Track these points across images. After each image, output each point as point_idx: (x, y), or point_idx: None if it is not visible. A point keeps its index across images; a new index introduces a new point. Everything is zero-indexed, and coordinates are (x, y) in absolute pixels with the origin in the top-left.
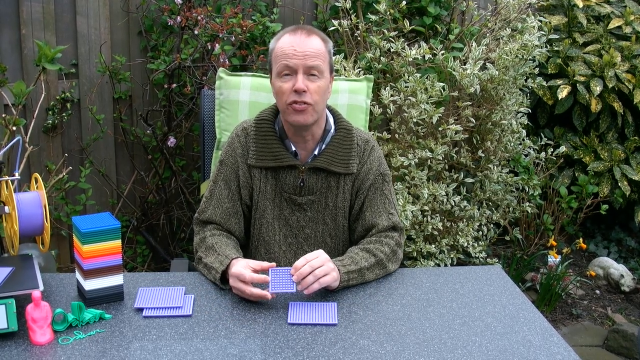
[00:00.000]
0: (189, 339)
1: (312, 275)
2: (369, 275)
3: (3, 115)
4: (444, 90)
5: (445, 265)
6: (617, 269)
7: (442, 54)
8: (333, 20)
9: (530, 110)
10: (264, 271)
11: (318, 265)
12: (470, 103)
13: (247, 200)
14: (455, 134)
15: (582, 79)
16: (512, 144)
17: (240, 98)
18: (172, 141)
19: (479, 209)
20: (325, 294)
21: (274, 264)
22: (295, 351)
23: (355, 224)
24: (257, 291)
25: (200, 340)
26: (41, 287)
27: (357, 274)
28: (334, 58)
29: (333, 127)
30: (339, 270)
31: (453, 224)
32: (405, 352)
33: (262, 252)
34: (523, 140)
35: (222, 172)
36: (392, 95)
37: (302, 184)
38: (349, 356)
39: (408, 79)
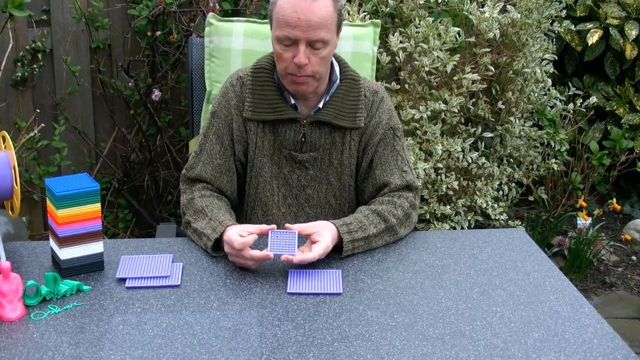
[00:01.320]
0: (177, 312)
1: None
2: (377, 242)
3: None
4: (459, 35)
5: (462, 228)
6: None
7: None
8: None
9: (556, 58)
10: (264, 234)
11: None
12: (488, 50)
13: (241, 157)
14: (472, 83)
15: (615, 22)
16: (536, 95)
17: (232, 46)
18: (156, 94)
19: (499, 167)
20: (329, 261)
21: (273, 226)
22: (296, 323)
23: (364, 183)
24: (257, 254)
25: (189, 313)
26: (2, 258)
27: (363, 241)
28: None
29: (339, 77)
30: (342, 238)
31: (470, 183)
32: (418, 323)
33: (258, 214)
34: (548, 90)
35: (214, 125)
36: (401, 42)
37: (303, 140)
38: (355, 328)
39: (419, 24)
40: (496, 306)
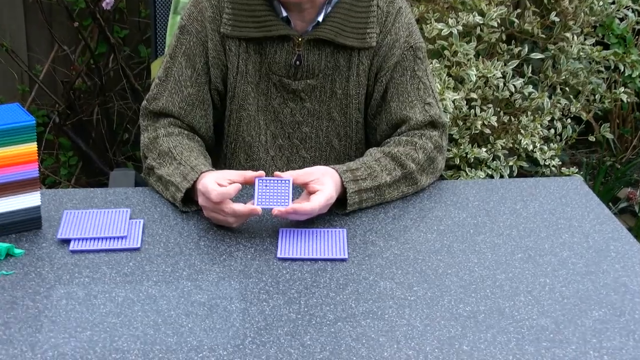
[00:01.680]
0: (136, 282)
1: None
2: (391, 193)
3: None
4: None
5: (502, 176)
6: None
7: None
8: None
9: None
10: (250, 183)
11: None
12: None
13: (218, 85)
14: None
15: None
16: (601, 4)
17: None
18: (108, 2)
19: (550, 98)
20: (330, 218)
21: (261, 172)
22: (289, 297)
23: (376, 119)
24: (241, 208)
25: (152, 284)
26: None
27: (374, 192)
28: None
29: None
30: (346, 188)
31: (513, 119)
32: (444, 298)
33: (241, 159)
34: None
35: (184, 44)
36: None
37: (298, 63)
38: (364, 304)
39: None
40: (545, 277)
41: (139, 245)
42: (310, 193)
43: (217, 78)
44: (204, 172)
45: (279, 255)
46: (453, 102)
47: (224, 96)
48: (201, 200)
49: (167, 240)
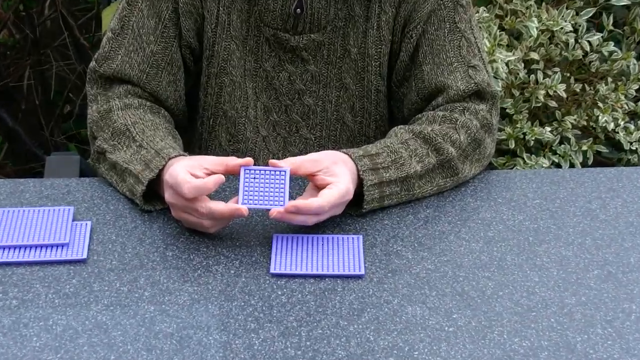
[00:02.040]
0: (81, 306)
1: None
2: (422, 187)
3: None
4: None
5: (572, 165)
6: None
7: None
8: None
9: None
10: (234, 174)
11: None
12: None
13: (191, 41)
14: None
15: None
16: None
17: None
18: None
19: (638, 59)
20: (341, 219)
21: (248, 159)
22: (285, 327)
23: (403, 88)
24: (221, 207)
25: (103, 308)
26: None
27: (400, 185)
28: None
29: None
30: (363, 180)
31: (587, 87)
32: (494, 329)
33: (222, 140)
34: None
35: None
36: None
37: (298, 11)
38: (385, 336)
39: None
40: (630, 302)
41: (84, 256)
42: (319, 187)
43: (189, 31)
44: (172, 157)
45: (272, 271)
46: (507, 64)
47: (199, 56)
48: (168, 196)
49: (123, 250)
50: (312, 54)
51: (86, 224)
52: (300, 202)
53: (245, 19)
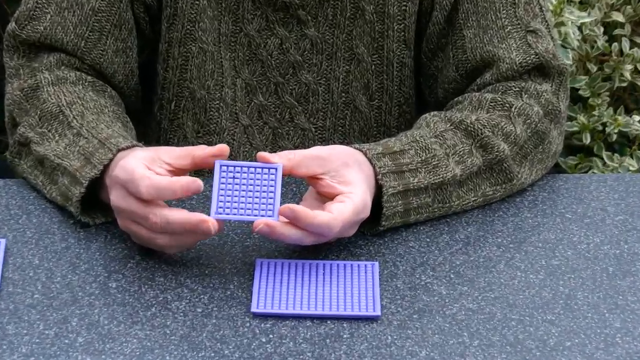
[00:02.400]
0: None
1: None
2: (464, 197)
3: None
4: None
5: None
6: None
7: None
8: None
9: None
10: (205, 167)
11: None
12: None
13: None
14: None
15: None
16: None
17: None
18: None
19: None
20: (349, 238)
21: (222, 146)
22: None
23: (436, 60)
24: (182, 216)
25: (20, 358)
26: None
27: (432, 194)
28: None
29: None
30: (382, 187)
31: None
32: None
33: (187, 130)
34: None
35: None
36: None
37: None
38: None
39: None
40: None
41: None
42: (324, 196)
43: None
44: (122, 149)
45: (254, 309)
46: (579, 29)
47: (156, 15)
48: (116, 198)
49: (49, 278)
50: (312, 14)
51: (1, 243)
52: (300, 208)
53: None
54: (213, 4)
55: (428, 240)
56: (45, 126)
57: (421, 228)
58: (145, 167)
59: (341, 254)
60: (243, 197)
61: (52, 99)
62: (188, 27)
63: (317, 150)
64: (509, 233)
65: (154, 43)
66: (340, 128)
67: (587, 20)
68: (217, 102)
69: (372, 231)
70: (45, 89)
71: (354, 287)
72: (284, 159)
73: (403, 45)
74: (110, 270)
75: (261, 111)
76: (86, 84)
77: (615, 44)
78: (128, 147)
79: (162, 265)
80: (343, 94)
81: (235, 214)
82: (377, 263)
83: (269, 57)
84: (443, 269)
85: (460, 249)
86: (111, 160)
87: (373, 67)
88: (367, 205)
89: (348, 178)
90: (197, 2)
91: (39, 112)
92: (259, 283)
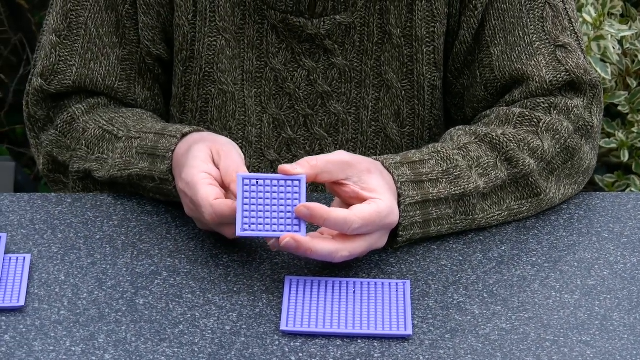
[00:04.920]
0: None
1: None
2: (488, 210)
3: None
4: None
5: None
6: None
7: None
8: None
9: None
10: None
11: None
12: None
13: (156, 45)
14: None
15: None
16: None
17: None
18: None
19: None
20: (380, 256)
21: (238, 162)
22: None
23: (463, 77)
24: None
25: None
26: None
27: (452, 206)
28: None
29: None
30: (400, 196)
31: None
32: None
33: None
34: None
35: None
36: None
37: None
38: None
39: None
40: None
41: (21, 303)
42: (349, 203)
43: (151, 30)
44: (186, 133)
45: (283, 328)
46: (620, 42)
47: (168, 62)
48: (187, 208)
49: (75, 294)
50: (339, 42)
51: (23, 259)
52: (316, 204)
53: (238, 2)
54: (233, 43)
55: (461, 258)
56: (97, 151)
57: (454, 246)
58: (207, 178)
59: (372, 271)
60: (268, 211)
61: (91, 125)
62: (207, 69)
63: (340, 155)
64: (543, 252)
65: (166, 87)
66: (371, 157)
67: (627, 33)
68: (240, 141)
69: (392, 244)
70: (82, 119)
71: (385, 306)
72: (306, 166)
73: (434, 68)
74: (138, 287)
75: (290, 145)
76: (117, 102)
77: None
78: (190, 132)
79: (189, 282)
80: (373, 123)
81: (261, 230)
82: (408, 281)
83: (297, 89)
84: (476, 288)
85: (494, 268)
86: (179, 144)
87: (403, 92)
88: (394, 211)
89: (371, 185)
90: (215, 44)
91: (84, 142)
92: (288, 301)
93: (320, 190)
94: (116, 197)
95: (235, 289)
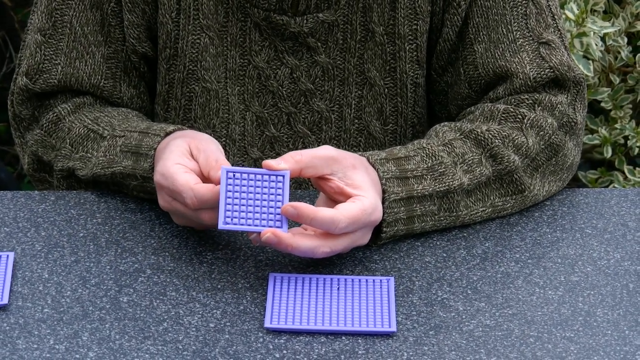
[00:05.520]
0: None
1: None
2: (472, 207)
3: None
4: None
5: None
6: None
7: None
8: None
9: None
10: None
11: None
12: None
13: (142, 44)
14: None
15: None
16: None
17: None
18: None
19: None
20: (364, 253)
21: (217, 156)
22: None
23: (446, 74)
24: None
25: None
26: None
27: (436, 202)
28: None
29: None
30: (385, 192)
31: None
32: None
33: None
34: None
35: None
36: None
37: None
38: None
39: None
40: None
41: (4, 301)
42: (334, 199)
43: (136, 28)
44: (169, 132)
45: (267, 325)
46: (602, 39)
47: (154, 59)
48: (163, 201)
49: (59, 292)
50: (322, 40)
51: (7, 256)
52: (303, 204)
53: (221, 0)
54: (216, 41)
55: (445, 255)
56: (81, 150)
57: (437, 243)
58: (183, 168)
59: (356, 268)
60: (251, 206)
61: (76, 124)
62: (190, 67)
63: (326, 150)
64: (527, 248)
65: (150, 85)
66: (357, 154)
67: (610, 30)
68: (224, 139)
69: (376, 241)
70: (67, 119)
71: (369, 303)
72: (290, 161)
73: (416, 66)
74: (121, 285)
75: (273, 143)
76: (103, 101)
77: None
78: (177, 130)
79: (173, 279)
80: (356, 120)
81: (243, 224)
82: (392, 278)
83: (280, 87)
84: (460, 284)
85: (478, 265)
86: (161, 142)
87: (386, 90)
88: (378, 208)
89: (356, 181)
90: (198, 41)
91: (68, 141)
92: (272, 298)
93: (304, 187)
94: (100, 194)
95: (219, 286)
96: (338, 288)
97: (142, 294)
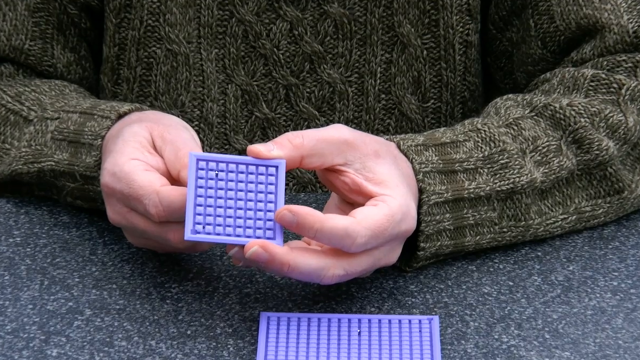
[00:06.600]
0: None
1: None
2: (549, 214)
3: None
4: None
5: None
6: None
7: None
8: None
9: None
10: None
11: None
12: None
13: None
14: None
15: None
16: None
17: None
18: None
19: None
20: (390, 278)
21: (190, 142)
22: None
23: (510, 29)
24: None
25: None
26: None
27: (496, 207)
28: None
29: None
30: (421, 192)
31: None
32: None
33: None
34: None
35: None
36: None
37: None
38: None
39: None
40: None
41: None
42: (351, 203)
43: None
44: (123, 113)
45: None
46: None
47: (100, 11)
48: (114, 214)
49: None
50: None
51: None
52: (304, 208)
53: None
54: None
55: (511, 283)
56: (10, 129)
57: (500, 266)
58: (141, 164)
59: (384, 304)
60: (231, 208)
61: (8, 92)
62: (149, 22)
63: (338, 131)
64: (628, 273)
65: (99, 48)
66: (383, 137)
67: None
68: (197, 122)
69: (411, 262)
70: None
71: (403, 352)
72: (287, 147)
73: (467, 17)
74: (49, 332)
75: (266, 127)
76: (29, 70)
77: None
78: (129, 112)
79: (123, 322)
80: (383, 95)
81: (219, 234)
82: (436, 317)
83: (275, 49)
84: (534, 325)
85: (559, 297)
86: (108, 132)
87: (425, 52)
88: (411, 214)
89: (381, 175)
90: None
91: None
92: (265, 348)
93: (311, 189)
94: (19, 202)
95: (189, 332)
96: (359, 333)
97: (79, 345)
